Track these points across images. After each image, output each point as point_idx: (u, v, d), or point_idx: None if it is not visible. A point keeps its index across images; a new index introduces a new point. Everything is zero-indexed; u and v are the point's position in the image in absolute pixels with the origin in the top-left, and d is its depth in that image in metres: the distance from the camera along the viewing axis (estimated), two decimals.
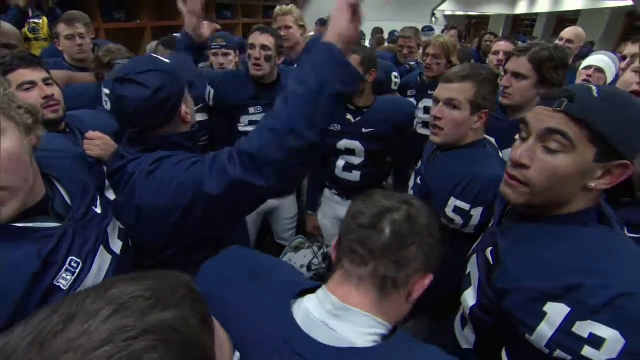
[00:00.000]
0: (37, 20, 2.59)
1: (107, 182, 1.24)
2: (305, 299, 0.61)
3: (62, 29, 2.05)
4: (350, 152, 1.76)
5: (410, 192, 1.40)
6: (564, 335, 0.63)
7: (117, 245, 0.89)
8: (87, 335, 0.27)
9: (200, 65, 2.88)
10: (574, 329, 0.61)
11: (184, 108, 0.95)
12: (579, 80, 1.98)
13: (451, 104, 1.13)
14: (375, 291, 0.58)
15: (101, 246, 0.83)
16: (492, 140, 1.26)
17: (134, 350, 0.27)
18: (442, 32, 3.74)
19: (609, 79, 1.93)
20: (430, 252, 0.60)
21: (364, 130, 1.70)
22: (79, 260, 0.76)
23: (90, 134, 1.25)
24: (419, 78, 2.31)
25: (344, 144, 1.76)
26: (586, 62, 2.01)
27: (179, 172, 0.85)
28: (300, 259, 1.99)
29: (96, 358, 0.26)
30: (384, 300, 0.59)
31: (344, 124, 1.75)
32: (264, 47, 1.74)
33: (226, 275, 0.69)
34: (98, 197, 0.90)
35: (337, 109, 0.81)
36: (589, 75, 1.91)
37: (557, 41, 2.84)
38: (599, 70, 1.92)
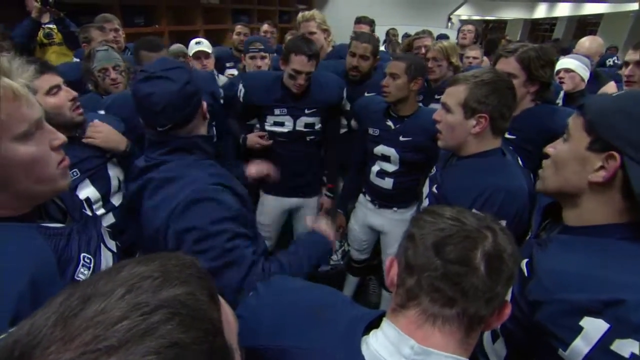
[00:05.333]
0: (51, 26, 2.65)
1: (112, 186, 1.31)
2: (371, 338, 0.55)
3: (97, 34, 2.20)
4: (386, 158, 1.74)
5: (425, 200, 1.36)
6: (602, 352, 0.59)
7: (112, 244, 0.93)
8: (105, 313, 0.29)
9: (231, 70, 2.91)
10: (612, 347, 0.58)
11: (204, 103, 0.99)
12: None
13: (445, 107, 1.15)
14: (462, 331, 0.52)
15: (101, 244, 0.86)
16: None
17: (150, 323, 0.29)
18: (459, 30, 3.68)
19: (584, 77, 2.12)
20: (514, 279, 0.55)
21: (401, 138, 1.67)
22: (90, 257, 0.79)
23: (97, 122, 1.29)
24: (425, 83, 2.24)
25: (380, 149, 1.74)
26: (557, 65, 2.09)
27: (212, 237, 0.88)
28: None
29: (116, 331, 0.28)
30: (469, 338, 0.53)
31: (383, 129, 1.72)
32: (308, 74, 1.70)
33: (281, 323, 0.62)
34: (83, 202, 0.94)
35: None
36: (561, 77, 2.10)
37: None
38: (567, 70, 2.11)
